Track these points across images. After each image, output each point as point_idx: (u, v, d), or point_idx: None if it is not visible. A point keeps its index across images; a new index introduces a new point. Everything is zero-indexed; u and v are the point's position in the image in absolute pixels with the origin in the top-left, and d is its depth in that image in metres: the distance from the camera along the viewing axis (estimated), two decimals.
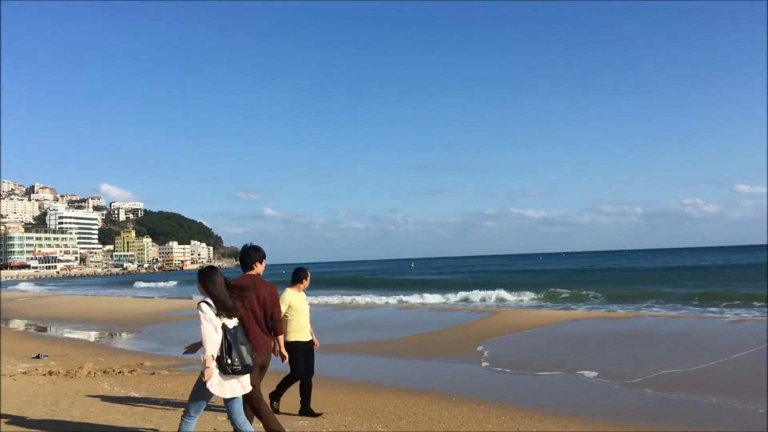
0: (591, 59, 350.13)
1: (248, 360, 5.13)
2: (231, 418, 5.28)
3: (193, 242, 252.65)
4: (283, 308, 7.21)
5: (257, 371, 5.69)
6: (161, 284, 75.97)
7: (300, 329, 7.57)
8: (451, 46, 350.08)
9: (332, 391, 9.55)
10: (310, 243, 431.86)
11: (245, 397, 5.37)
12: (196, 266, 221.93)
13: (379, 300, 32.10)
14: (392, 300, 31.84)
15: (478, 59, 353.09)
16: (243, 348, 5.13)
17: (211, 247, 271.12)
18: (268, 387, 7.08)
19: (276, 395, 7.80)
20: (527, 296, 31.14)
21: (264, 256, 6.25)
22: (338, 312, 25.86)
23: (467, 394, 9.29)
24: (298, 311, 7.56)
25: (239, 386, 5.17)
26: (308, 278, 7.81)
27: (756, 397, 8.50)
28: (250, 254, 6.19)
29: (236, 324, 5.24)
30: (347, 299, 33.24)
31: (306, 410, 7.79)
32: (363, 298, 33.32)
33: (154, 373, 11.26)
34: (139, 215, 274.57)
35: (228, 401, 5.21)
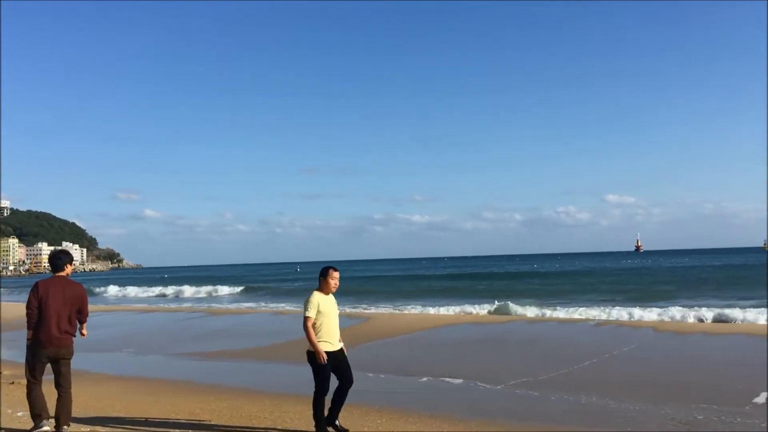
0: (482, 63, 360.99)
1: None
2: None
3: (64, 244, 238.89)
4: (311, 313, 6.75)
5: (46, 363, 6.74)
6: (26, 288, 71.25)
7: (329, 336, 6.87)
8: (343, 48, 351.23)
9: (209, 398, 9.36)
10: (193, 245, 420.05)
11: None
12: (69, 269, 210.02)
13: (265, 305, 31.76)
14: (278, 305, 31.52)
15: (368, 62, 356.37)
16: None
17: (85, 249, 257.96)
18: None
19: (331, 418, 7.05)
20: (402, 302, 31.76)
21: (72, 259, 7.23)
22: (215, 318, 25.29)
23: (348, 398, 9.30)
24: (327, 317, 6.86)
25: None
26: (334, 278, 7.00)
27: (623, 397, 9.11)
28: (60, 257, 7.04)
29: None
30: (229, 305, 32.65)
31: (331, 419, 7.07)
32: (244, 304, 32.89)
33: (13, 383, 10.55)
34: (5, 214, 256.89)
35: None
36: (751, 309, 22.14)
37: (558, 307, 25.82)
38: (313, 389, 6.85)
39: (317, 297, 6.87)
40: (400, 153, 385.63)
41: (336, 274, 7.01)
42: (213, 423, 7.83)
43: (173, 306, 35.83)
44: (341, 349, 7.02)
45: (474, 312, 24.21)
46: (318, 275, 7.06)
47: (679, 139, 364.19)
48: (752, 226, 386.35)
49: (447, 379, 10.67)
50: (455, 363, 12.42)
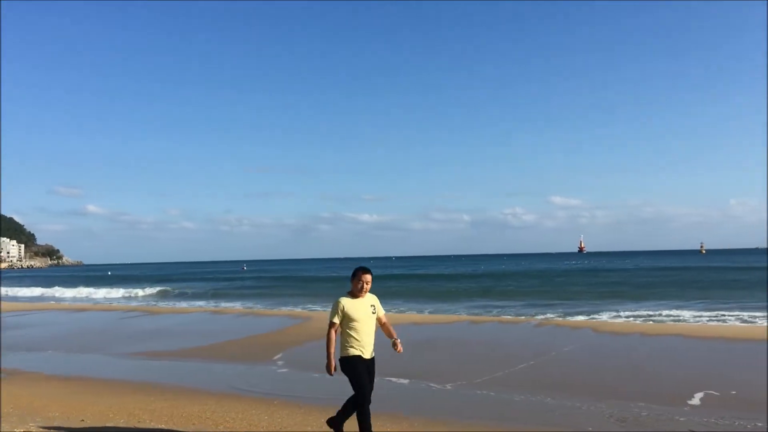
0: (428, 60, 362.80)
1: None
2: None
3: (1, 239, 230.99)
4: (335, 319, 6.26)
5: None
6: None
7: (362, 344, 6.28)
8: (295, 47, 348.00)
9: (148, 398, 9.16)
10: (137, 242, 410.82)
11: None
12: (5, 265, 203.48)
13: (209, 304, 31.36)
14: (224, 304, 31.16)
15: (321, 61, 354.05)
16: None
17: (23, 245, 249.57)
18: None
19: (336, 423, 6.53)
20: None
21: None
22: (153, 317, 24.83)
23: (287, 397, 9.25)
24: (359, 322, 6.26)
25: None
26: (362, 280, 6.32)
27: (563, 395, 9.29)
28: None
29: None
30: (165, 304, 32.17)
31: (336, 423, 6.55)
32: (180, 303, 32.47)
33: None
34: None
35: None
36: (686, 311, 22.89)
37: (501, 308, 26.18)
38: (352, 399, 6.29)
39: (344, 301, 6.30)
40: (349, 152, 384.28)
41: (367, 277, 6.36)
42: (152, 424, 7.66)
43: (104, 305, 34.97)
44: (373, 359, 6.42)
45: (417, 313, 24.27)
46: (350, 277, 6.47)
47: (622, 142, 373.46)
48: (689, 229, 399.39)
49: (392, 379, 10.69)
50: (399, 363, 12.44)
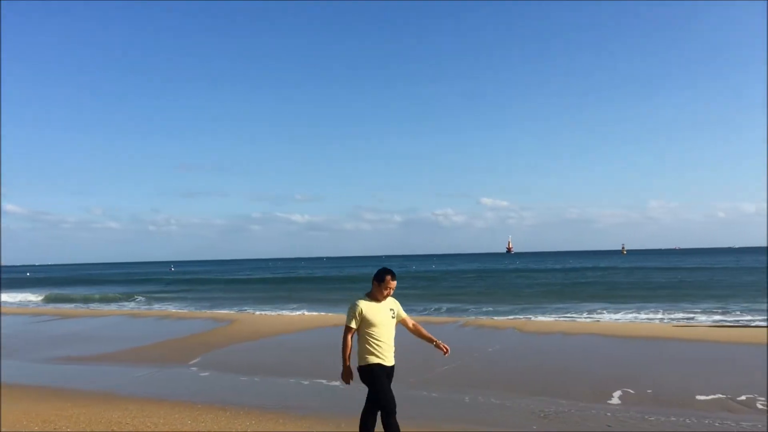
0: (358, 59, 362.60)
1: None
2: None
3: None
4: (351, 323, 5.77)
5: None
6: None
7: (381, 350, 5.81)
8: (226, 42, 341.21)
9: (66, 404, 8.84)
10: (59, 243, 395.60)
11: None
12: None
13: (130, 307, 30.52)
14: (148, 307, 30.38)
15: (251, 59, 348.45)
16: None
17: None
18: None
19: None
20: (273, 304, 31.49)
21: None
22: (68, 320, 24.01)
23: (212, 401, 9.08)
24: (378, 326, 5.78)
25: None
26: (389, 287, 5.87)
27: (489, 392, 9.45)
28: None
29: None
30: (87, 306, 31.15)
31: None
32: (100, 306, 31.57)
33: None
34: None
35: None
36: (605, 311, 23.70)
37: (428, 309, 26.43)
38: (364, 407, 5.84)
39: (362, 304, 5.80)
40: (282, 151, 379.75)
41: (394, 284, 5.92)
42: (70, 430, 7.40)
43: (14, 308, 33.60)
44: (392, 367, 5.95)
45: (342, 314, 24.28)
46: (372, 278, 5.97)
47: (547, 144, 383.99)
48: (611, 230, 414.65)
49: (321, 381, 10.66)
50: (326, 364, 12.42)
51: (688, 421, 7.65)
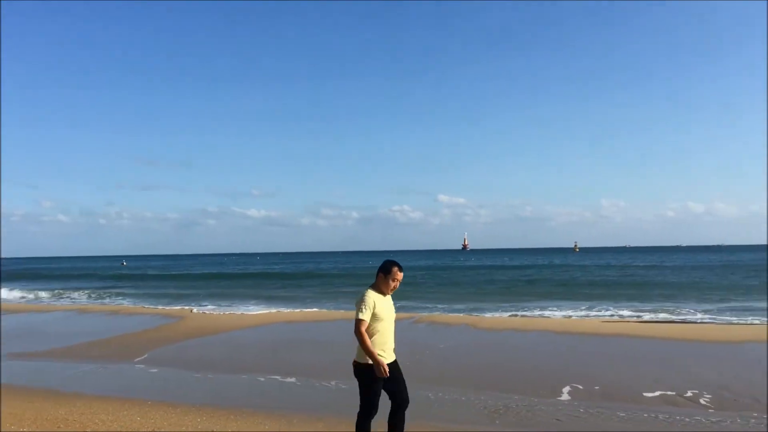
0: (314, 55, 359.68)
1: None
2: None
3: None
4: (366, 315, 5.35)
5: None
6: None
7: (384, 345, 5.50)
8: (179, 35, 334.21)
9: (12, 402, 8.59)
10: (5, 236, 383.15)
11: None
12: None
13: (78, 302, 29.86)
14: (96, 302, 29.74)
15: (205, 50, 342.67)
16: None
17: None
18: None
19: None
20: (227, 299, 31.10)
21: None
22: (11, 316, 23.39)
23: (163, 398, 8.95)
24: (383, 321, 5.47)
25: None
26: (396, 279, 5.59)
27: (441, 388, 9.52)
28: None
29: None
30: (35, 301, 30.36)
31: None
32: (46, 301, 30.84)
33: None
34: None
35: None
36: (557, 309, 24.09)
37: None
38: (358, 410, 5.55)
39: (373, 296, 5.46)
40: (239, 146, 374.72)
41: (400, 276, 5.63)
42: (15, 428, 7.19)
43: None
44: (396, 361, 5.66)
45: (301, 310, 24.01)
46: (377, 270, 5.66)
47: (505, 141, 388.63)
48: (564, 228, 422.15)
49: (275, 377, 10.59)
50: (280, 360, 12.38)
51: (635, 416, 7.83)
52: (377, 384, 5.41)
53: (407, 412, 5.75)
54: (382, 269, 5.59)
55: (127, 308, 26.45)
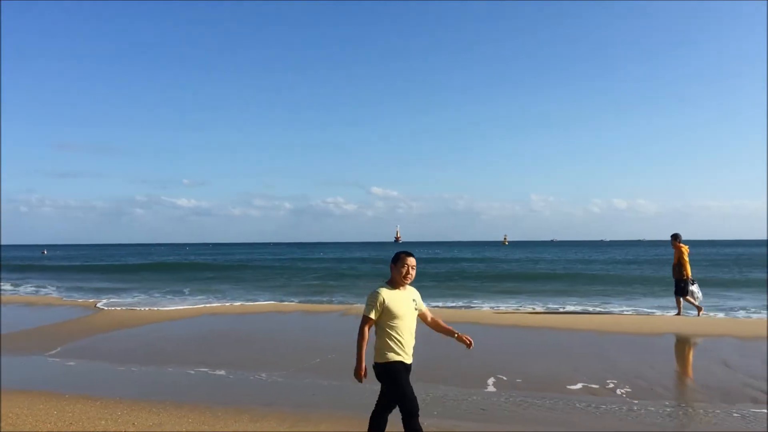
0: (252, 45, 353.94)
1: None
2: None
3: None
4: (370, 312, 5.12)
5: None
6: None
7: (401, 345, 5.20)
8: (103, 14, 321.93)
9: None
10: None
11: None
12: None
13: None
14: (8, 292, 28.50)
15: (137, 36, 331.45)
16: None
17: None
18: None
19: None
20: (153, 290, 30.36)
21: None
22: None
23: (80, 391, 8.67)
24: (400, 318, 5.18)
25: None
26: (408, 263, 5.30)
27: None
28: None
29: None
30: None
31: None
32: None
33: None
34: None
35: None
36: (485, 301, 24.50)
37: (312, 297, 26.34)
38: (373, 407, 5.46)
39: (384, 293, 5.18)
40: (169, 134, 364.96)
41: (411, 261, 5.32)
42: None
43: None
44: (411, 364, 5.36)
45: (230, 304, 23.62)
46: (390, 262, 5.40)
47: (437, 137, 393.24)
48: (496, 221, 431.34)
49: (204, 370, 10.41)
50: (210, 353, 12.18)
51: (556, 405, 8.05)
52: (401, 377, 5.13)
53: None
54: (392, 260, 5.36)
55: (44, 299, 25.46)
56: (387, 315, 5.13)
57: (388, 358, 5.13)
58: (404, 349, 5.21)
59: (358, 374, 5.17)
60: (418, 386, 9.03)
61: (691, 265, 16.88)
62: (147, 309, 20.27)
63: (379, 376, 5.20)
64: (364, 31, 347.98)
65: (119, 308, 20.45)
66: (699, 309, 16.65)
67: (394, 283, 5.30)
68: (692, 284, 16.66)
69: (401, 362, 5.17)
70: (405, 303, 5.25)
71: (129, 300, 24.44)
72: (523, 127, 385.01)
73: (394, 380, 5.11)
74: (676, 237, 17.09)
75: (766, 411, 7.66)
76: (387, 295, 5.18)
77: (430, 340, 12.86)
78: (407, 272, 5.27)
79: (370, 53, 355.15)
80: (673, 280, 17.09)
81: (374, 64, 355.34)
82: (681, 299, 16.78)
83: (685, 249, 16.84)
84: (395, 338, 5.15)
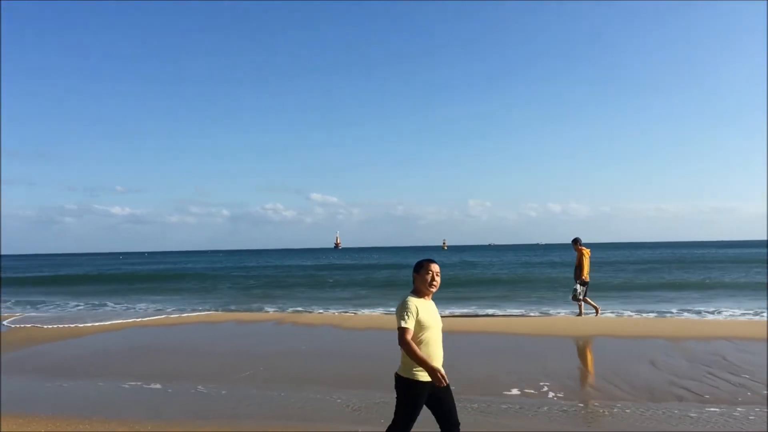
0: (198, 48, 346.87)
1: None
2: None
3: None
4: (409, 323, 4.74)
5: None
6: None
7: (431, 357, 4.83)
8: (46, 23, 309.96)
9: None
10: None
11: None
12: None
13: None
14: None
15: (69, 38, 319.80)
16: None
17: None
18: None
19: None
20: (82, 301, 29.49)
21: None
22: None
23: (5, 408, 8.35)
24: (428, 329, 4.86)
25: None
26: (432, 270, 4.98)
27: (304, 387, 9.47)
28: None
29: None
30: None
31: None
32: None
33: None
34: None
35: None
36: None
37: (245, 305, 25.97)
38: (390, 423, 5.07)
39: (415, 302, 4.87)
40: (99, 139, 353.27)
41: (436, 267, 5.01)
42: None
43: None
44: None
45: (164, 316, 23.02)
46: (412, 272, 5.11)
47: (371, 144, 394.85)
48: (434, 227, 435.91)
49: (136, 383, 10.15)
50: (147, 366, 11.89)
51: (490, 407, 8.17)
52: (419, 401, 4.84)
53: None
54: (414, 269, 5.06)
55: None
56: (417, 326, 4.82)
57: (414, 376, 4.83)
58: (436, 360, 4.91)
59: (440, 378, 4.69)
60: (351, 394, 9.06)
61: (591, 267, 17.43)
62: (67, 326, 18.94)
63: (398, 388, 4.95)
64: (313, 39, 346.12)
65: (31, 325, 19.27)
66: (597, 309, 17.46)
67: (419, 293, 5.00)
68: (582, 285, 17.19)
69: (427, 384, 4.82)
70: (433, 313, 5.00)
71: (55, 311, 23.60)
72: (459, 134, 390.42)
73: (410, 402, 4.85)
74: (576, 241, 17.62)
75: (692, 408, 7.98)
76: (418, 304, 4.88)
77: (365, 346, 12.84)
78: (432, 279, 4.98)
79: (321, 61, 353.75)
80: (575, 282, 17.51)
81: (310, 70, 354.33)
82: (581, 301, 17.35)
83: (586, 252, 17.37)
84: (424, 351, 4.81)
